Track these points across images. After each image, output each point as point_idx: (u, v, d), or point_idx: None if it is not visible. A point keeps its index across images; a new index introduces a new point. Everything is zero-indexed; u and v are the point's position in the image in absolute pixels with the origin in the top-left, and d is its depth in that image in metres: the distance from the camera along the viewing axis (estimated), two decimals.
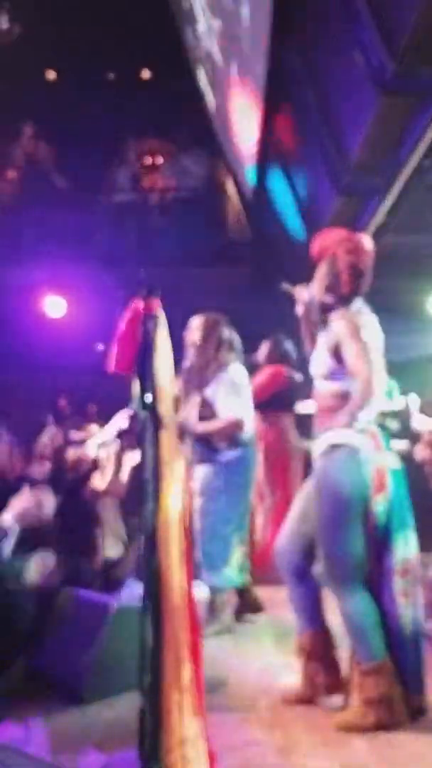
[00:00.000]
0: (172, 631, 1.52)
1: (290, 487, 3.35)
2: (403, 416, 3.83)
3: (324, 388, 1.95)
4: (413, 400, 3.63)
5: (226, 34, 4.87)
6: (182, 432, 2.42)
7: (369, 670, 1.77)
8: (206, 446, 2.67)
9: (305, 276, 2.13)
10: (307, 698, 1.92)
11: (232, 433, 2.64)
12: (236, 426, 2.63)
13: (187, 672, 1.52)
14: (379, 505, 1.83)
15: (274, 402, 3.50)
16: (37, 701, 1.97)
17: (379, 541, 1.83)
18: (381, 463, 1.83)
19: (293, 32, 3.84)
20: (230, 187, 6.70)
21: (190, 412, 2.68)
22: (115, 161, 6.71)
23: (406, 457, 3.95)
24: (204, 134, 6.38)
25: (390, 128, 3.24)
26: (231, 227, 6.65)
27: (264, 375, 3.56)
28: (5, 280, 5.62)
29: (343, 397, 1.87)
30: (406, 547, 1.85)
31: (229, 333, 2.83)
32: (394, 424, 1.98)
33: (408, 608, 1.82)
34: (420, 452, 3.52)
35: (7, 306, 5.52)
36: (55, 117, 6.34)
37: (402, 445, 4.06)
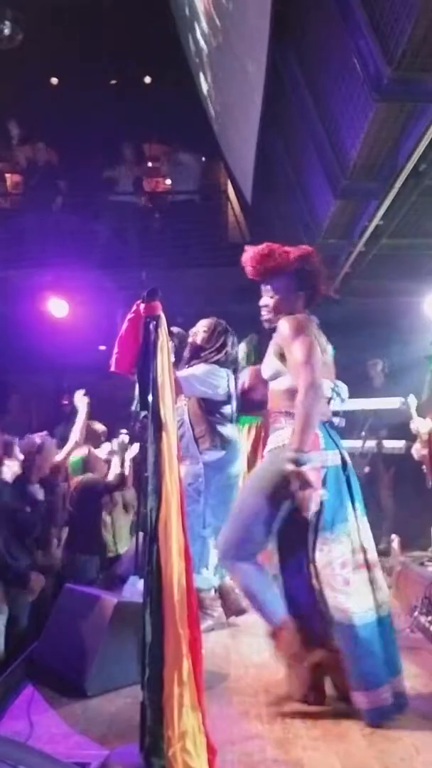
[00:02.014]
0: (172, 626, 1.55)
1: None
2: (401, 416, 3.87)
3: (272, 388, 2.03)
4: (411, 401, 3.66)
5: (225, 41, 4.92)
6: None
7: (271, 633, 1.90)
8: (191, 445, 2.70)
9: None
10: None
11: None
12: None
13: (186, 666, 1.55)
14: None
15: (258, 403, 3.51)
16: (40, 695, 2.00)
17: (311, 537, 1.87)
18: (315, 464, 1.87)
19: (292, 39, 3.89)
20: (230, 190, 6.75)
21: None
22: (116, 165, 6.76)
23: (404, 456, 4.01)
24: (204, 138, 6.43)
25: (387, 133, 3.29)
26: (230, 229, 6.69)
27: (247, 375, 3.53)
28: (8, 282, 5.66)
29: (290, 397, 1.94)
30: (347, 541, 1.87)
31: (232, 346, 2.87)
32: (341, 423, 2.07)
33: (339, 597, 1.83)
34: (418, 451, 3.55)
35: (9, 307, 5.56)
36: (58, 122, 6.40)
37: (398, 444, 4.12)
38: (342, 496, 1.91)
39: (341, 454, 1.95)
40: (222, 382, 2.77)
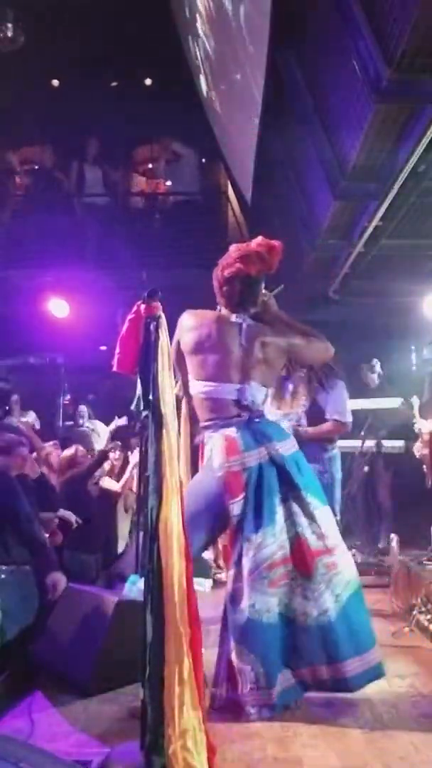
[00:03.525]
0: (173, 625, 1.55)
1: None
2: (400, 416, 3.88)
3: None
4: (414, 402, 3.67)
5: (225, 43, 4.93)
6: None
7: None
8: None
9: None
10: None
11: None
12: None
13: (187, 665, 1.55)
14: (235, 506, 1.89)
15: None
16: (41, 694, 2.00)
17: (241, 538, 1.89)
18: (234, 468, 1.90)
19: (292, 38, 3.90)
20: (230, 191, 6.76)
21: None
22: (117, 166, 6.78)
23: (403, 456, 4.01)
24: (204, 139, 6.45)
25: (386, 134, 3.30)
26: (231, 230, 6.70)
27: None
28: (10, 282, 5.67)
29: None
30: (273, 540, 1.88)
31: None
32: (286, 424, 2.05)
33: (276, 596, 1.86)
34: (419, 450, 3.56)
35: (11, 307, 5.57)
36: (58, 123, 6.41)
37: (397, 444, 4.13)
38: (264, 496, 1.90)
39: (266, 449, 1.94)
40: None
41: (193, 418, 2.18)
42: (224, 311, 2.07)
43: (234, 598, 1.89)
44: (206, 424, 2.01)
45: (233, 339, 2.00)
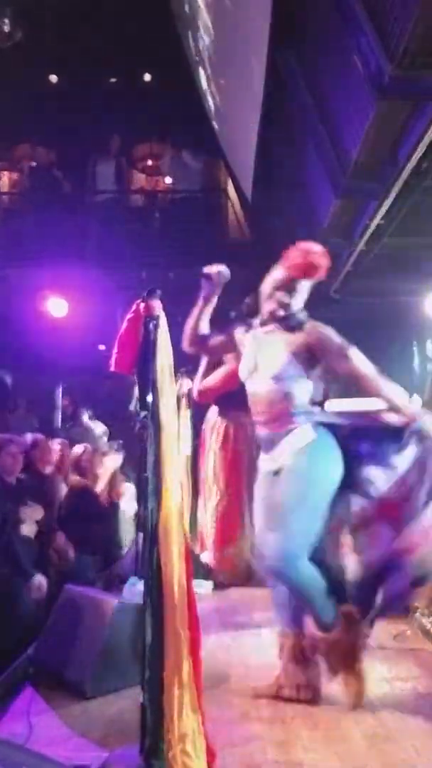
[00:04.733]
0: (172, 627, 1.54)
1: (242, 489, 3.21)
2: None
3: (274, 388, 2.00)
4: (415, 401, 3.65)
5: (225, 39, 4.91)
6: None
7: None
8: None
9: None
10: (277, 694, 1.96)
11: None
12: None
13: (187, 668, 1.54)
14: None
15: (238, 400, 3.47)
16: (40, 697, 1.99)
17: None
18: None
19: (292, 37, 3.88)
20: (230, 188, 6.74)
21: None
22: (116, 163, 6.75)
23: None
24: (204, 136, 6.42)
25: (388, 131, 3.28)
26: (231, 228, 6.69)
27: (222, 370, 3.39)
28: (7, 282, 5.66)
29: (287, 398, 1.97)
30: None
31: None
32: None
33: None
34: None
35: (9, 307, 5.55)
36: (57, 120, 6.39)
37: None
38: None
39: None
40: None
41: None
42: None
43: None
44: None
45: None
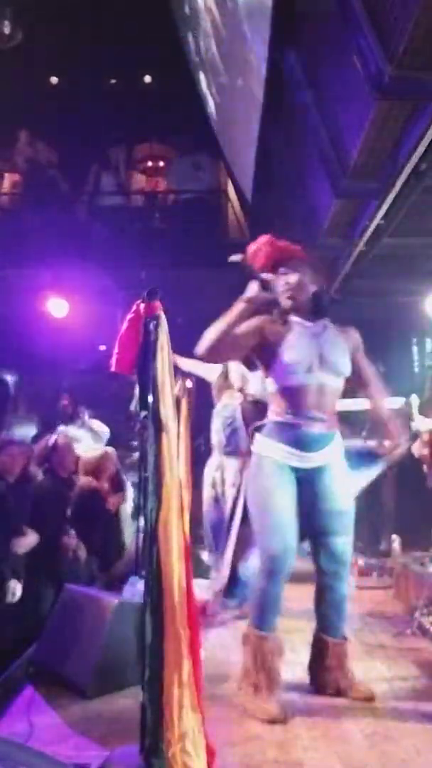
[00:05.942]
0: (172, 627, 1.54)
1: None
2: (402, 416, 3.86)
3: (338, 386, 2.04)
4: (413, 401, 3.65)
5: (226, 40, 4.91)
6: None
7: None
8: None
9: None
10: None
11: None
12: None
13: (186, 668, 1.54)
14: None
15: None
16: (40, 696, 1.99)
17: None
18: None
19: (293, 38, 3.88)
20: (230, 190, 6.74)
21: None
22: (117, 165, 6.77)
23: (405, 456, 3.99)
24: (204, 137, 6.43)
25: (387, 132, 3.28)
26: (231, 229, 6.69)
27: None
28: (8, 282, 5.66)
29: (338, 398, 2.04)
30: None
31: None
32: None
33: None
34: (419, 449, 3.54)
35: (10, 307, 5.56)
36: (57, 121, 6.40)
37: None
38: None
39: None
40: None
41: None
42: None
43: None
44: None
45: None
